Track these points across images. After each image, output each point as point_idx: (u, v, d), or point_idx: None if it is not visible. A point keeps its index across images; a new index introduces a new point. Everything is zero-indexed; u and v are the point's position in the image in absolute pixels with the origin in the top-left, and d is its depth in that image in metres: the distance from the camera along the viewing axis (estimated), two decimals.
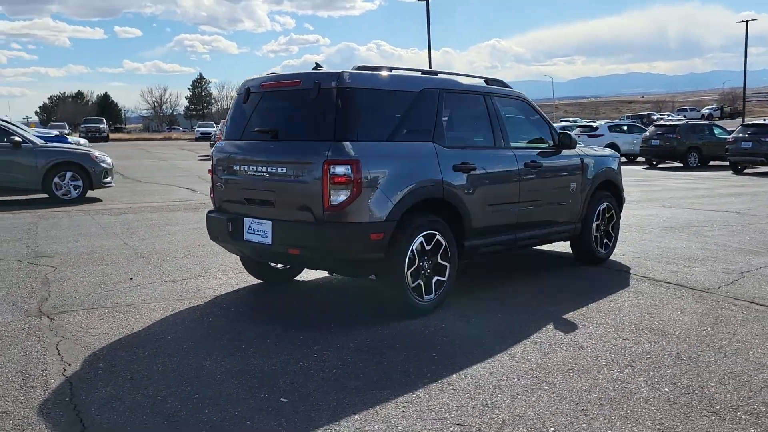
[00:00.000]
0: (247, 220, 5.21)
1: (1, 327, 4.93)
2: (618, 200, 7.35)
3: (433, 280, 5.22)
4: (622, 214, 7.54)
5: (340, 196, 4.71)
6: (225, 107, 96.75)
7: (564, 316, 5.15)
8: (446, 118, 5.51)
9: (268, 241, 5.05)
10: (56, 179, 12.87)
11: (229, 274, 6.56)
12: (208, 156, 22.80)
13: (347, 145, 4.75)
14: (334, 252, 4.84)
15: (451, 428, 3.28)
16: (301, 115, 5.02)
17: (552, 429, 3.26)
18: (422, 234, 5.07)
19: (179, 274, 6.62)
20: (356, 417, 3.40)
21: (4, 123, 13.15)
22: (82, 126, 52.62)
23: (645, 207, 12.03)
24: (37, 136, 14.39)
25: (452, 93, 5.62)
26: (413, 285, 5.05)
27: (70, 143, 15.80)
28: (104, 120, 55.90)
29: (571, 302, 5.53)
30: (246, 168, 5.29)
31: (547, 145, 6.43)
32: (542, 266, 7.12)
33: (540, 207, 6.24)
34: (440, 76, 5.75)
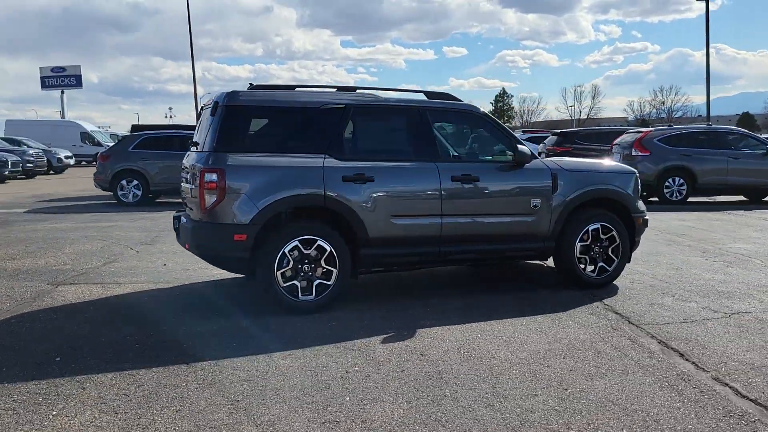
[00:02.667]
0: (182, 219, 6.17)
1: (15, 290, 6.60)
2: (628, 221, 6.66)
3: (315, 283, 5.60)
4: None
5: (211, 200, 5.43)
6: (527, 121, 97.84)
7: (419, 330, 5.15)
8: (351, 132, 5.83)
9: (181, 237, 5.96)
10: None
11: None
12: None
13: (218, 155, 5.45)
14: (205, 249, 5.57)
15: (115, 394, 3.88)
16: (207, 130, 5.84)
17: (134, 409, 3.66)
18: (297, 238, 5.51)
19: (202, 264, 7.80)
20: (68, 379, 4.13)
21: None
22: None
23: None
24: None
25: (364, 108, 5.91)
26: (285, 285, 5.51)
27: None
28: None
29: (459, 319, 5.43)
30: (184, 175, 6.26)
31: (497, 159, 6.25)
32: (516, 283, 6.77)
33: (479, 222, 6.10)
34: (358, 92, 6.06)
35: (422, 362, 4.41)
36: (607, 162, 7.35)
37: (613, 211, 6.62)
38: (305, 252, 5.55)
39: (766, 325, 5.25)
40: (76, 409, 3.67)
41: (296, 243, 5.52)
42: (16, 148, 28.77)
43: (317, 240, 5.57)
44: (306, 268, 5.58)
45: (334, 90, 6.06)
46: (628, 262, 6.91)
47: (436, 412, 3.61)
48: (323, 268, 5.62)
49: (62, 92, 50.39)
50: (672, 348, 4.73)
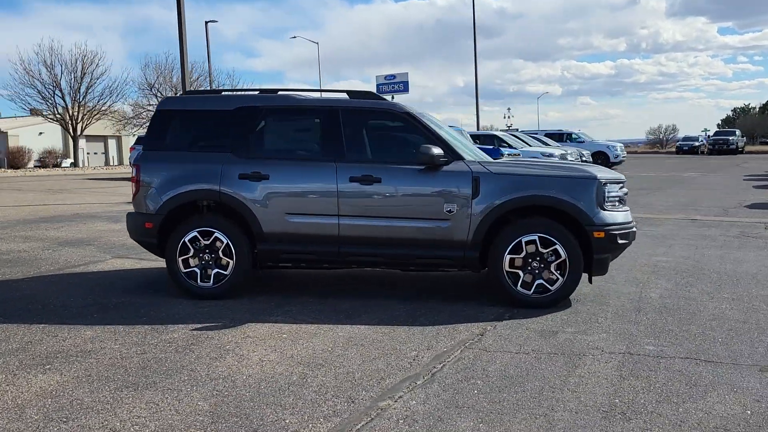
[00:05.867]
0: None
1: (80, 256, 8.31)
2: (582, 234, 5.73)
3: (213, 272, 6.10)
4: None
5: (133, 192, 6.31)
6: None
7: (251, 323, 5.33)
8: (259, 133, 6.15)
9: None
10: None
11: None
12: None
13: (142, 153, 6.31)
14: (131, 234, 6.45)
15: None
16: None
17: None
18: (196, 229, 6.07)
19: None
20: None
21: None
22: (712, 138, 52.36)
23: None
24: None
25: (275, 109, 6.18)
26: (185, 271, 6.12)
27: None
28: (737, 132, 53.79)
29: (317, 319, 5.44)
30: None
31: (410, 160, 5.92)
32: (457, 292, 6.22)
33: (381, 225, 5.87)
34: (279, 94, 6.31)
35: (169, 351, 4.65)
36: (562, 164, 6.27)
37: (563, 222, 5.75)
38: (204, 242, 6.07)
39: (612, 368, 4.22)
40: None
41: (195, 233, 6.06)
42: None
43: (214, 232, 6.04)
44: (206, 257, 6.09)
45: (257, 93, 6.40)
46: (590, 282, 5.92)
47: (68, 386, 3.96)
48: (222, 258, 6.07)
49: (392, 98, 55.66)
50: (409, 377, 4.18)
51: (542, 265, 5.73)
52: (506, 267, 5.74)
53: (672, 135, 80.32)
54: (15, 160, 38.08)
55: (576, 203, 5.67)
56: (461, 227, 5.77)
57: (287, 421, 3.50)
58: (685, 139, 55.50)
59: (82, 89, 40.04)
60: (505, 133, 23.45)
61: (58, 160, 44.03)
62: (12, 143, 47.70)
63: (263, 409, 3.64)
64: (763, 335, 4.97)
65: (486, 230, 5.75)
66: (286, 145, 6.34)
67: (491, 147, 18.85)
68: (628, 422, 3.47)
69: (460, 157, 5.87)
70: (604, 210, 5.73)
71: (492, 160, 6.16)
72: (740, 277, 6.96)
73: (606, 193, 5.76)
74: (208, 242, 6.05)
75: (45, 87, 41.44)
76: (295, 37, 59.40)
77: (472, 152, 6.22)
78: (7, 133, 54.46)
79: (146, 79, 42.94)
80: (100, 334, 5.07)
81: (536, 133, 30.71)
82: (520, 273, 5.75)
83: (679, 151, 52.89)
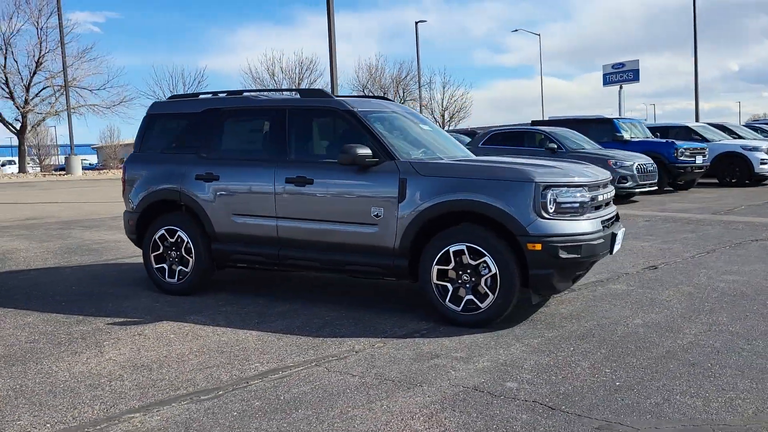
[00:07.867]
0: None
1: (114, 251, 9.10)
2: (516, 245, 5.00)
3: (177, 269, 6.36)
4: None
5: (122, 191, 6.80)
6: None
7: (164, 322, 5.48)
8: (218, 134, 6.25)
9: None
10: None
11: None
12: None
13: (130, 154, 6.76)
14: (125, 230, 6.91)
15: None
16: None
17: None
18: (164, 227, 6.37)
19: None
20: None
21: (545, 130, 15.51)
22: None
23: None
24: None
25: (234, 111, 6.22)
26: (157, 266, 6.46)
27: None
28: None
29: (233, 323, 5.44)
30: None
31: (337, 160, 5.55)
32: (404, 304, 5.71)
33: (314, 228, 5.63)
34: (244, 95, 6.34)
35: (52, 343, 4.94)
36: (502, 165, 5.33)
37: (499, 231, 5.06)
38: (171, 240, 6.34)
39: (419, 406, 3.65)
40: None
41: (163, 231, 6.36)
42: None
43: (177, 231, 6.28)
44: (173, 255, 6.35)
45: (225, 94, 6.48)
46: (533, 302, 5.13)
47: None
48: (185, 256, 6.29)
49: (620, 87, 52.55)
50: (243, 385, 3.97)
51: (473, 279, 5.07)
52: (434, 279, 5.18)
53: None
54: None
55: (505, 209, 4.92)
56: (388, 233, 5.32)
57: (21, 422, 3.55)
58: None
59: None
60: (703, 125, 20.68)
61: None
62: None
63: (24, 408, 3.73)
64: (687, 384, 3.91)
65: (413, 237, 5.24)
66: (240, 146, 6.36)
67: (664, 140, 16.82)
68: None
69: (391, 157, 5.40)
70: (545, 218, 4.90)
71: (423, 160, 5.55)
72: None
73: (549, 199, 4.92)
74: (173, 240, 6.29)
75: None
76: (516, 30, 57.38)
77: (440, 152, 5.77)
78: None
79: (358, 80, 45.47)
80: (35, 320, 5.54)
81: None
82: (449, 286, 5.14)
83: None
